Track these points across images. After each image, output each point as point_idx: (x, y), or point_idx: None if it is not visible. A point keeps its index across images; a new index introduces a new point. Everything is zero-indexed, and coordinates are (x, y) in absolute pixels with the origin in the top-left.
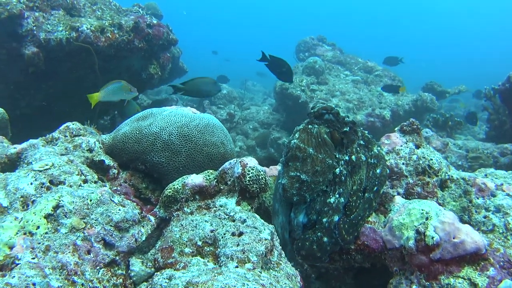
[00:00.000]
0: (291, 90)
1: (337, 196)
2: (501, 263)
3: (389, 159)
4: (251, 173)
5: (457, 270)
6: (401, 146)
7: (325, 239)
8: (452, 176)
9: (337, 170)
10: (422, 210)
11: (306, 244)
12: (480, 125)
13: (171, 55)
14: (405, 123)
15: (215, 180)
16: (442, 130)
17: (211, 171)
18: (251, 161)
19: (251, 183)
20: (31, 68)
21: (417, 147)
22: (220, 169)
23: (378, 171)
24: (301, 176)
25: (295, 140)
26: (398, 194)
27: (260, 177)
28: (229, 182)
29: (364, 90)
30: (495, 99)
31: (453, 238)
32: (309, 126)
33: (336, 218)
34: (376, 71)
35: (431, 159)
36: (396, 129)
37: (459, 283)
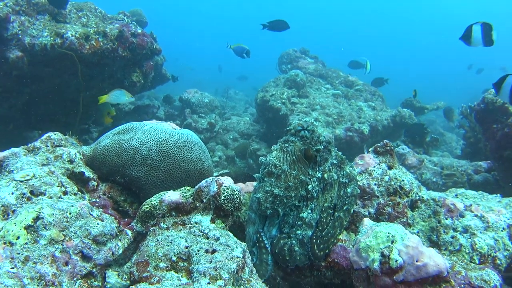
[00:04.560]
0: (271, 103)
1: (309, 211)
2: (462, 285)
3: (361, 180)
4: (226, 192)
5: None
6: (374, 167)
7: (297, 248)
8: (422, 197)
9: (310, 186)
10: (389, 233)
11: (280, 243)
12: (457, 140)
13: (154, 62)
14: (379, 144)
15: (192, 198)
16: (419, 147)
17: (188, 188)
18: (227, 181)
19: (225, 202)
20: (15, 71)
21: (390, 168)
22: (196, 187)
23: (349, 190)
24: (275, 191)
25: (271, 158)
26: (369, 214)
27: (235, 197)
28: (204, 200)
29: (344, 105)
30: (471, 118)
31: (416, 261)
32: (285, 144)
33: (309, 233)
34: (356, 86)
35: (403, 180)
36: (370, 150)
37: None
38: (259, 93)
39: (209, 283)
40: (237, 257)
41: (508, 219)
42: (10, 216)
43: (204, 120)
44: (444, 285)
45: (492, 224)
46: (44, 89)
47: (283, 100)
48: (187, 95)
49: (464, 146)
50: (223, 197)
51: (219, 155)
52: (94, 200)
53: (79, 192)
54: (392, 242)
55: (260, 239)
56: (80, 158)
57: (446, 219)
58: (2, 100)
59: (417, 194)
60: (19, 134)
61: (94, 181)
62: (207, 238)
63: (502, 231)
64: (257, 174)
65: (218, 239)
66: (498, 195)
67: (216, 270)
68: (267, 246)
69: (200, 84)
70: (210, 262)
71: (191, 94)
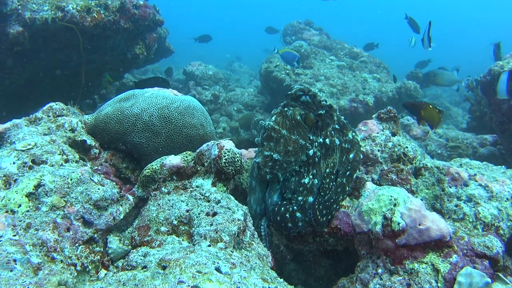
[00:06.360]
0: (275, 73)
1: (311, 177)
2: (465, 251)
3: (364, 146)
4: (227, 155)
5: (421, 256)
6: (378, 133)
7: (298, 214)
8: (426, 165)
9: (311, 152)
10: (391, 196)
11: (281, 210)
12: (463, 115)
13: (157, 35)
14: (382, 111)
15: (193, 161)
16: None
17: (189, 152)
18: (228, 144)
19: (226, 165)
20: (16, 47)
21: (393, 134)
22: (197, 150)
23: (351, 156)
24: (274, 156)
25: (270, 122)
26: (373, 180)
27: (236, 159)
28: (205, 164)
29: (349, 76)
30: (477, 91)
31: (419, 225)
32: (285, 108)
33: (311, 199)
34: (361, 57)
35: (407, 147)
36: (373, 116)
37: (422, 268)
38: (263, 64)
39: (209, 246)
40: (238, 219)
41: None
42: (12, 186)
43: (208, 92)
44: (446, 250)
45: (496, 194)
46: (46, 65)
47: (287, 71)
48: (191, 68)
49: (470, 119)
50: (224, 160)
51: (223, 127)
52: (96, 167)
53: (80, 160)
54: (395, 205)
55: (259, 225)
56: (82, 126)
57: (450, 187)
58: (3, 77)
59: (421, 161)
60: (22, 112)
61: (96, 148)
62: (208, 201)
63: (506, 201)
64: (257, 138)
65: (219, 202)
66: (503, 166)
67: (216, 232)
68: (262, 233)
69: (204, 57)
70: (211, 224)
71: (195, 67)
